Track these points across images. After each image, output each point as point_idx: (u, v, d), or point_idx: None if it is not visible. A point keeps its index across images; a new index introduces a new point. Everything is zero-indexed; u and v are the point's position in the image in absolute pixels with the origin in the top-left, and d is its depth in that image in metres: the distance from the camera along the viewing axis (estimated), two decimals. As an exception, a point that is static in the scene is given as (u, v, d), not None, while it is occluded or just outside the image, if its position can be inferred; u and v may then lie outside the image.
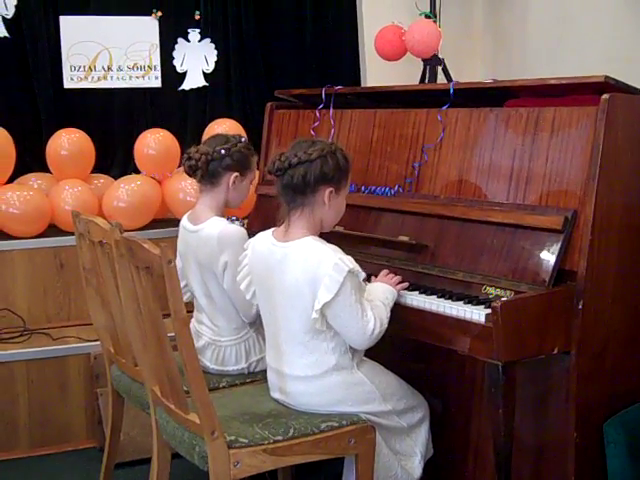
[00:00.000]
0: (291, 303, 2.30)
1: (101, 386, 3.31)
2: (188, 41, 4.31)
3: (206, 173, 2.70)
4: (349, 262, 2.24)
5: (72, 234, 2.94)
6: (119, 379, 2.82)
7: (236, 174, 2.71)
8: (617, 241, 2.37)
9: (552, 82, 2.52)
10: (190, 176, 2.76)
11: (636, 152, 2.40)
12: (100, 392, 3.33)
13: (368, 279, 2.52)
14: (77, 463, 3.31)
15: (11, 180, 3.82)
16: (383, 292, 2.43)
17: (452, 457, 2.72)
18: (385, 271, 2.57)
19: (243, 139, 2.77)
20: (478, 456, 2.67)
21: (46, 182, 3.90)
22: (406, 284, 2.52)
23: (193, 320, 2.79)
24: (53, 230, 3.76)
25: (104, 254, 2.60)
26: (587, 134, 2.33)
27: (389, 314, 2.37)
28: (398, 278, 2.53)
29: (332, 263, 2.21)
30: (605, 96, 2.29)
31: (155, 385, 2.40)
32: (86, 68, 4.10)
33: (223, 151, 2.69)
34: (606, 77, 2.33)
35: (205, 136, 3.73)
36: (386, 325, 2.34)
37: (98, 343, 3.03)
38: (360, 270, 2.27)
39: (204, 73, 4.34)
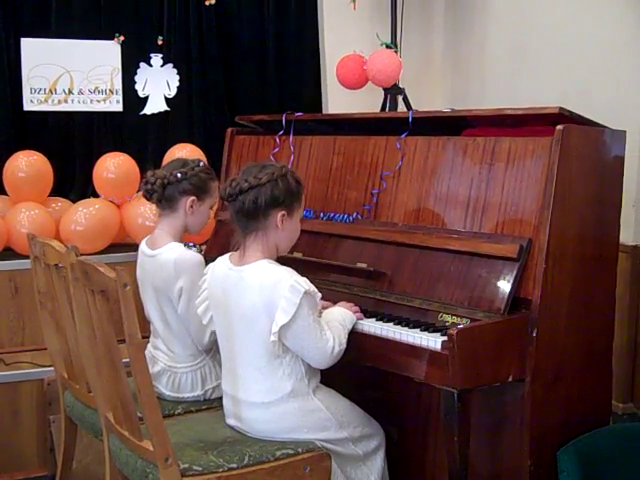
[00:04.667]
0: (248, 327, 2.29)
1: (54, 413, 3.24)
2: (150, 66, 4.29)
3: (163, 197, 2.68)
4: (304, 283, 2.24)
5: (28, 258, 2.89)
6: (72, 405, 2.78)
7: (193, 198, 2.70)
8: (571, 270, 2.40)
9: (508, 112, 2.56)
10: (148, 200, 2.74)
11: (590, 182, 2.45)
12: (53, 419, 3.26)
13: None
14: (28, 492, 3.25)
15: (-33, 202, 3.76)
16: (340, 314, 2.44)
17: (408, 485, 2.72)
18: (342, 302, 2.57)
19: (201, 163, 2.76)
20: (434, 484, 2.67)
21: (2, 205, 3.84)
22: (361, 315, 2.51)
23: (149, 345, 2.76)
24: (8, 253, 3.70)
25: (59, 277, 2.57)
26: (542, 164, 2.36)
27: (347, 335, 2.37)
28: (356, 308, 2.54)
29: (288, 285, 2.21)
30: (559, 127, 2.33)
31: (109, 411, 2.36)
32: (47, 91, 4.06)
33: (180, 175, 2.67)
34: (560, 108, 2.38)
35: (165, 161, 3.72)
36: (345, 344, 2.34)
37: (52, 369, 2.98)
38: (316, 290, 2.27)
39: (166, 98, 4.32)
